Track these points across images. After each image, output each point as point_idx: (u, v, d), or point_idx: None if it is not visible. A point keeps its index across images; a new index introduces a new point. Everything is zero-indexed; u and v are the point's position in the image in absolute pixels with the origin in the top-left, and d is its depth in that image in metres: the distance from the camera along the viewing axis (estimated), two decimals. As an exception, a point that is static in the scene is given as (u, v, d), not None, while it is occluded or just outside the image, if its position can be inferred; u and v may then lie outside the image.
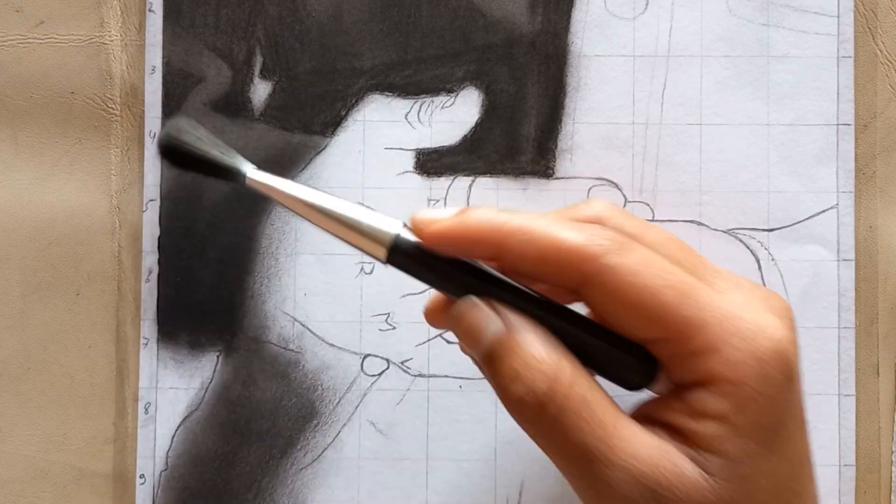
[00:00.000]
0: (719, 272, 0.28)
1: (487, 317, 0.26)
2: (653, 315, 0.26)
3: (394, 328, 0.36)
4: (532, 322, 0.26)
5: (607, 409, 0.26)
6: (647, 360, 0.26)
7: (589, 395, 0.26)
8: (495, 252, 0.27)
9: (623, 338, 0.26)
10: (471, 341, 0.27)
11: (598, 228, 0.26)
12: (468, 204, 0.36)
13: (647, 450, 0.25)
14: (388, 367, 0.36)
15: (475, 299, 0.27)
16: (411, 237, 0.27)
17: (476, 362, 0.28)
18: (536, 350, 0.26)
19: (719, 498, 0.25)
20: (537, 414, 0.26)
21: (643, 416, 0.27)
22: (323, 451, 0.36)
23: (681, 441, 0.26)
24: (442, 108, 0.37)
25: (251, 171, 0.28)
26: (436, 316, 0.29)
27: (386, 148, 0.37)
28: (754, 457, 0.25)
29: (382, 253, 0.27)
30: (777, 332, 0.26)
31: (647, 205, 0.36)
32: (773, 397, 0.26)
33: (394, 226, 0.27)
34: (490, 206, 0.27)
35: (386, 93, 0.37)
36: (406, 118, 0.37)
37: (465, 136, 0.37)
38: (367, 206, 0.28)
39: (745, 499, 0.26)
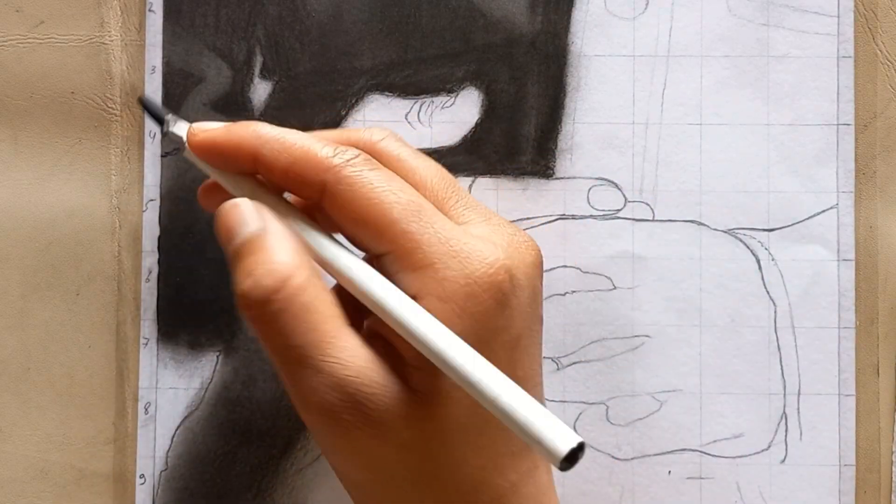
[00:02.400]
0: (475, 206, 0.29)
1: (248, 217, 0.28)
2: (380, 227, 0.27)
3: (394, 328, 0.36)
4: (289, 231, 0.28)
5: (330, 319, 0.27)
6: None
7: (316, 303, 0.26)
8: (252, 161, 0.28)
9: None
10: (225, 238, 0.28)
11: (350, 148, 0.28)
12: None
13: (358, 361, 0.26)
14: (388, 367, 0.36)
15: (244, 199, 0.28)
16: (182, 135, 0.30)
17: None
18: (277, 252, 0.27)
19: (418, 410, 0.27)
20: (259, 309, 0.26)
21: (370, 331, 0.28)
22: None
23: (394, 355, 0.27)
24: (442, 108, 0.37)
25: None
26: (208, 196, 0.31)
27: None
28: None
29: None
30: (494, 258, 0.27)
31: (648, 205, 0.36)
32: (479, 317, 0.27)
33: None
34: (260, 122, 0.29)
35: (386, 93, 0.37)
36: (406, 118, 0.37)
37: (465, 136, 0.37)
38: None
39: (444, 413, 0.27)
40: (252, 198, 0.28)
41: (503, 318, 0.27)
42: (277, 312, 0.26)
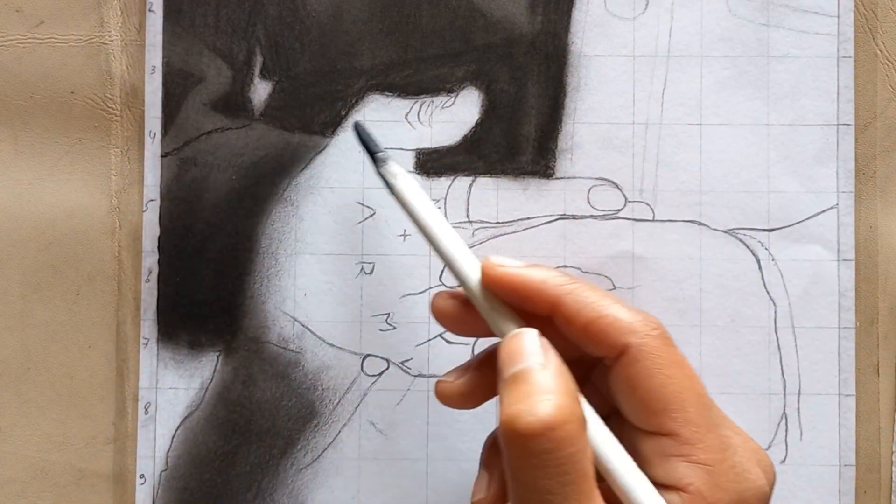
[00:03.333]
0: (723, 414, 0.29)
1: (534, 348, 0.27)
2: (670, 408, 0.27)
3: (394, 328, 0.36)
4: (571, 377, 0.27)
5: (588, 479, 0.26)
6: None
7: (581, 458, 0.26)
8: (549, 309, 0.28)
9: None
10: (508, 361, 0.27)
11: (650, 317, 0.28)
12: (468, 203, 0.36)
13: None
14: (388, 367, 0.36)
15: (531, 330, 0.28)
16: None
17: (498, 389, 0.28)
18: (561, 392, 0.26)
19: None
20: (528, 440, 0.25)
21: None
22: (323, 451, 0.36)
23: None
24: (442, 108, 0.37)
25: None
26: (448, 316, 0.31)
27: (386, 148, 0.37)
28: None
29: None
30: (762, 484, 0.27)
31: (648, 205, 0.36)
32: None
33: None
34: (554, 268, 0.29)
35: (386, 93, 0.37)
36: (406, 118, 0.37)
37: (465, 136, 0.37)
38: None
39: None
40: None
41: None
42: (544, 451, 0.25)
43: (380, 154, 0.32)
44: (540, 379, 0.27)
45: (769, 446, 0.36)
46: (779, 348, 0.36)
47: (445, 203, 0.36)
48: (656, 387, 0.27)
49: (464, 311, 0.31)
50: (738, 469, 0.27)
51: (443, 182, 0.36)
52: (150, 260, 0.36)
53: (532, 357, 0.27)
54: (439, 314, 0.31)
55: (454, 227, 0.36)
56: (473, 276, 0.30)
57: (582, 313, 0.28)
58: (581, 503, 0.25)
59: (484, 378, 0.30)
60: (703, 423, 0.27)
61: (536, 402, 0.26)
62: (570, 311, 0.28)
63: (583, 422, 0.26)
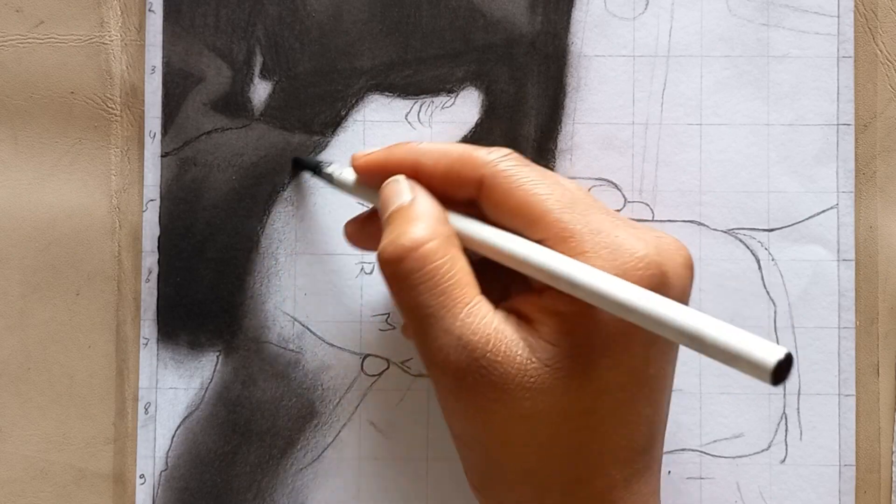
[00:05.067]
0: (618, 215, 0.30)
1: (402, 189, 0.30)
2: (535, 216, 0.28)
3: (394, 328, 0.36)
4: (435, 203, 0.30)
5: (464, 286, 0.28)
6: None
7: (451, 268, 0.28)
8: (412, 171, 0.31)
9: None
10: (383, 207, 0.30)
11: (502, 148, 0.30)
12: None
13: (487, 328, 0.28)
14: (388, 367, 0.36)
15: (400, 176, 0.31)
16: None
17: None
18: (420, 218, 0.29)
19: (544, 386, 0.27)
20: (394, 266, 0.28)
21: (509, 307, 0.29)
22: (323, 451, 0.36)
23: (527, 331, 0.28)
24: (442, 108, 0.37)
25: None
26: (358, 235, 0.34)
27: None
28: (586, 358, 0.27)
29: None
30: (644, 253, 0.28)
31: (647, 205, 0.36)
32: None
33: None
34: (412, 141, 0.32)
35: (386, 93, 0.37)
36: (406, 118, 0.37)
37: (465, 136, 0.37)
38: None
39: (572, 394, 0.28)
40: None
41: None
42: (410, 270, 0.28)
43: (321, 163, 0.35)
44: (405, 211, 0.29)
45: (769, 446, 0.36)
46: (779, 348, 0.36)
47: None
48: (518, 202, 0.29)
49: (369, 224, 0.33)
50: (613, 247, 0.28)
51: (443, 182, 0.36)
52: (150, 260, 0.36)
53: (400, 196, 0.30)
54: (352, 237, 0.34)
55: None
56: (351, 177, 0.33)
57: (439, 165, 0.30)
58: (457, 308, 0.28)
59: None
60: (571, 217, 0.28)
61: (400, 231, 0.29)
62: (429, 166, 0.30)
63: (448, 237, 0.29)
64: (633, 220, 0.35)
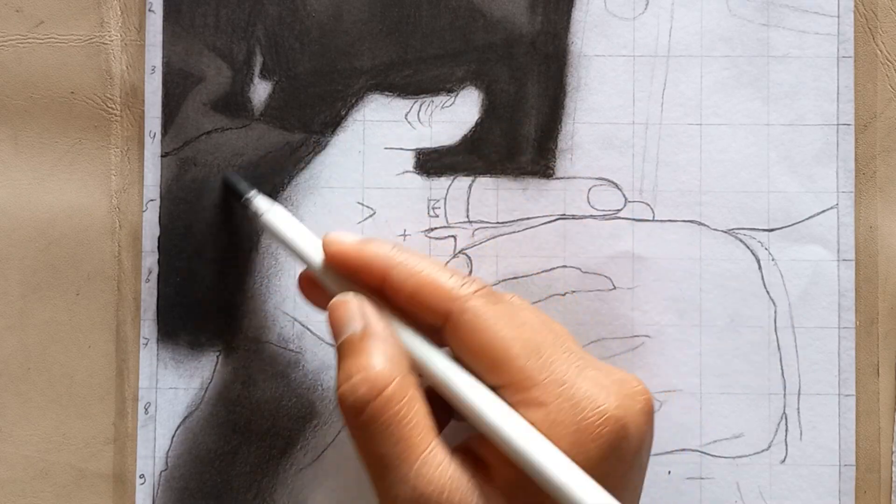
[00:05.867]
0: (583, 354, 0.29)
1: (353, 316, 0.29)
2: (498, 361, 0.28)
3: (394, 328, 0.36)
4: (390, 333, 0.29)
5: (422, 432, 0.27)
6: None
7: (408, 413, 0.27)
8: (380, 281, 0.30)
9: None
10: (334, 331, 0.30)
11: (476, 279, 0.30)
12: (468, 203, 0.36)
13: (440, 476, 0.27)
14: (388, 367, 0.36)
15: (350, 295, 0.30)
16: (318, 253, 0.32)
17: None
18: (376, 358, 0.28)
19: None
20: (353, 416, 0.28)
21: (465, 447, 0.29)
22: (323, 451, 0.36)
23: (485, 479, 0.27)
24: (442, 107, 0.37)
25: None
26: (308, 288, 0.33)
27: (386, 148, 0.37)
28: None
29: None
30: (605, 407, 0.27)
31: (648, 205, 0.36)
32: (582, 465, 0.27)
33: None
34: (390, 241, 0.31)
35: (386, 93, 0.37)
36: (406, 118, 0.37)
37: (465, 136, 0.37)
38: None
39: None
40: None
41: (606, 465, 0.28)
42: (368, 421, 0.27)
43: (248, 195, 0.34)
44: (358, 347, 0.28)
45: (769, 446, 0.36)
46: (779, 348, 0.36)
47: (445, 203, 0.36)
48: (482, 344, 0.28)
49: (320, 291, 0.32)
50: (574, 400, 0.27)
51: (443, 182, 0.36)
52: (150, 260, 0.36)
53: (352, 323, 0.29)
54: (304, 293, 0.33)
55: (452, 226, 0.36)
56: (317, 257, 0.31)
57: (407, 284, 0.29)
58: (412, 456, 0.27)
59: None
60: (535, 365, 0.28)
61: (356, 373, 0.28)
62: (396, 281, 0.29)
63: (405, 378, 0.28)
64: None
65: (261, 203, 0.33)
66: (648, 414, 0.29)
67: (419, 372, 0.29)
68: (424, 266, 0.29)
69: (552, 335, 0.29)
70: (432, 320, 0.29)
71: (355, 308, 0.29)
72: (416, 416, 0.28)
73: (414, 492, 0.27)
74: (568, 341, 0.29)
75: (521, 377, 0.28)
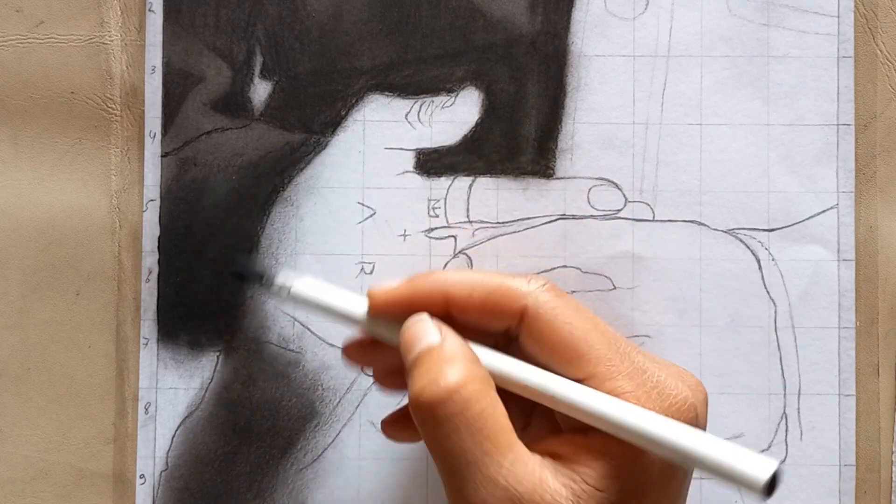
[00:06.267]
0: (647, 353, 0.30)
1: (429, 329, 0.29)
2: (580, 352, 0.28)
3: (394, 328, 0.36)
4: (465, 344, 0.28)
5: (504, 431, 0.27)
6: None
7: (491, 412, 0.27)
8: (443, 306, 0.29)
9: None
10: (407, 348, 0.29)
11: (534, 275, 0.30)
12: (468, 203, 0.36)
13: (530, 476, 0.26)
14: (388, 367, 0.36)
15: (424, 315, 0.29)
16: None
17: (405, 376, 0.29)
18: (454, 360, 0.28)
19: None
20: (430, 411, 0.27)
21: (545, 450, 0.28)
22: (323, 451, 0.36)
23: (568, 476, 0.27)
24: (442, 108, 0.37)
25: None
26: (356, 353, 0.32)
27: (386, 148, 0.37)
28: (632, 501, 0.27)
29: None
30: (685, 395, 0.28)
31: (648, 205, 0.36)
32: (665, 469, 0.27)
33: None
34: (431, 271, 0.30)
35: (386, 93, 0.37)
36: (406, 118, 0.37)
37: (465, 136, 0.37)
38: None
39: None
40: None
41: None
42: (451, 414, 0.27)
43: (267, 275, 0.31)
44: (437, 353, 0.28)
45: (769, 446, 0.36)
46: (779, 348, 0.36)
47: (445, 203, 0.36)
48: (562, 337, 0.28)
49: (372, 348, 0.31)
50: (659, 387, 0.28)
51: (443, 182, 0.36)
52: (150, 260, 0.36)
53: (427, 337, 0.29)
54: (352, 357, 0.32)
55: (453, 226, 0.36)
56: (362, 310, 0.30)
57: (474, 296, 0.29)
58: (501, 455, 0.26)
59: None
60: (615, 355, 0.28)
61: (437, 373, 0.27)
62: (462, 297, 0.29)
63: (486, 380, 0.28)
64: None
65: (284, 277, 0.31)
66: (706, 403, 0.29)
67: (499, 384, 0.29)
68: (482, 276, 0.30)
69: (615, 331, 0.30)
70: (504, 324, 0.29)
71: (431, 323, 0.29)
72: (499, 415, 0.27)
73: (506, 492, 0.26)
74: (629, 341, 0.30)
75: (607, 367, 0.28)
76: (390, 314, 0.30)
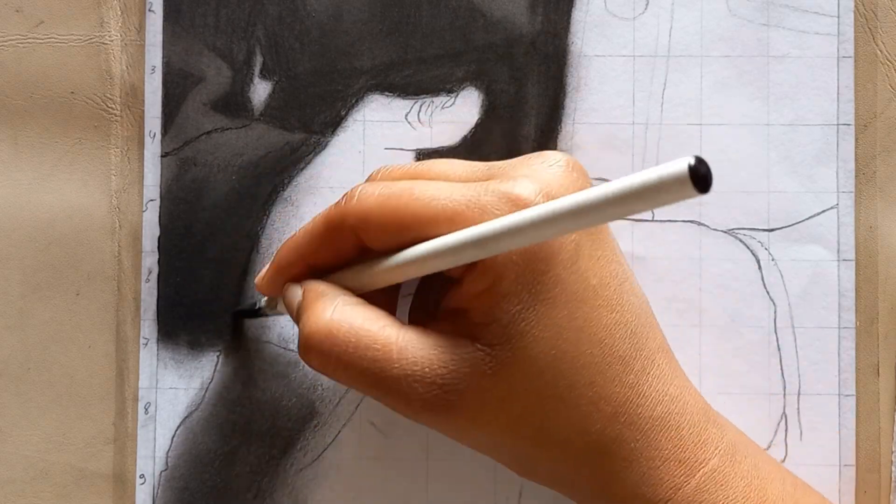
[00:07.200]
0: (511, 162, 0.30)
1: (295, 292, 0.31)
2: (425, 219, 0.28)
3: (394, 328, 0.36)
4: (321, 284, 0.30)
5: (379, 332, 0.28)
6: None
7: (356, 326, 0.28)
8: (302, 263, 0.31)
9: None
10: (291, 314, 0.31)
11: (359, 184, 0.30)
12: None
13: (424, 352, 0.28)
14: (388, 367, 0.36)
15: (289, 283, 0.31)
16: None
17: None
18: (316, 312, 0.29)
19: (500, 363, 0.27)
20: (323, 360, 0.28)
21: (443, 311, 0.29)
22: (323, 451, 0.36)
23: (465, 324, 0.28)
24: (442, 108, 0.37)
25: None
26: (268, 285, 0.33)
27: (386, 148, 0.37)
28: (523, 312, 0.27)
29: None
30: (525, 194, 0.27)
31: (647, 205, 0.36)
32: (529, 255, 0.27)
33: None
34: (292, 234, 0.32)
35: (386, 93, 0.37)
36: (406, 118, 0.37)
37: (465, 136, 0.37)
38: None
39: (524, 354, 0.27)
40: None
41: (557, 240, 0.29)
42: (338, 356, 0.28)
43: (258, 306, 0.35)
44: (303, 309, 0.30)
45: (769, 446, 0.36)
46: (779, 348, 0.36)
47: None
48: (396, 219, 0.28)
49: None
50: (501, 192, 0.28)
51: (443, 182, 0.36)
52: (150, 260, 0.36)
53: (295, 296, 0.31)
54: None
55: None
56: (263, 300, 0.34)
57: (312, 244, 0.31)
58: (392, 350, 0.28)
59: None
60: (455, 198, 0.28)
61: (309, 324, 0.29)
62: (309, 251, 0.31)
63: (342, 300, 0.29)
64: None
65: (259, 301, 0.35)
66: (565, 175, 0.29)
67: (382, 284, 0.30)
68: (311, 225, 0.31)
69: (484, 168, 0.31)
70: (351, 243, 0.30)
71: (293, 286, 0.31)
72: (370, 320, 0.28)
73: (409, 380, 0.27)
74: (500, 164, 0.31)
75: (450, 212, 0.28)
76: (277, 293, 0.32)
